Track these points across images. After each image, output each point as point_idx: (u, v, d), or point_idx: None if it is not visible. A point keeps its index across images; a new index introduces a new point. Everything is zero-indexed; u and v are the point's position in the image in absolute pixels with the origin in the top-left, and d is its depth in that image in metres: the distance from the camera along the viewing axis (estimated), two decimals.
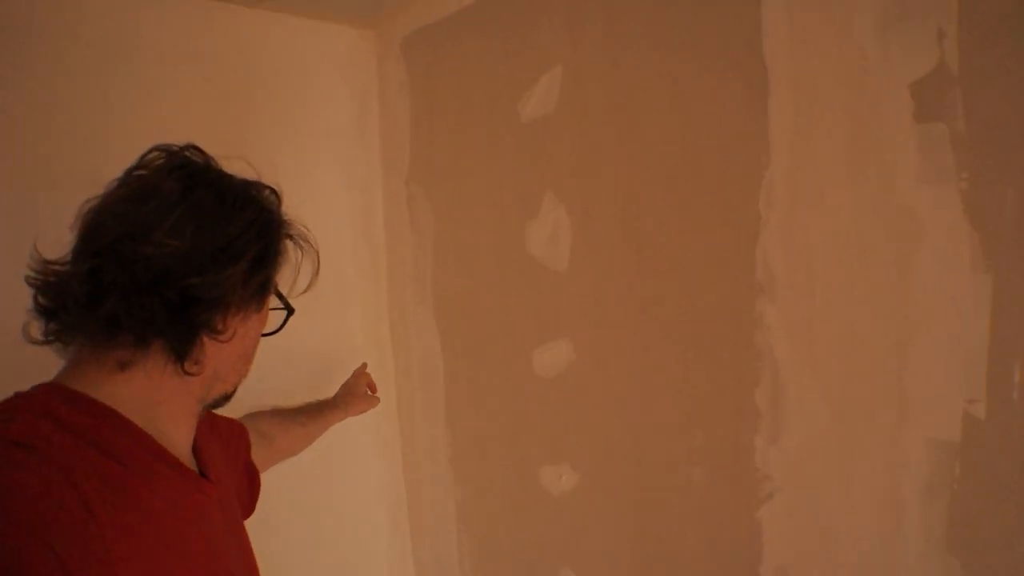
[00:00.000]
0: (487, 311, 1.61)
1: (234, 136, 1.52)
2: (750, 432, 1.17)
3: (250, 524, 1.05)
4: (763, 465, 1.16)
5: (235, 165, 0.91)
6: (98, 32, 1.36)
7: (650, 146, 1.28)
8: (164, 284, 0.77)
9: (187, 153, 0.87)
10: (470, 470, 1.68)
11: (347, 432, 1.56)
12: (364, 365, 1.62)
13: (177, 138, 0.89)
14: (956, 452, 0.96)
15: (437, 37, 1.67)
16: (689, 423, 1.25)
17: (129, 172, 0.84)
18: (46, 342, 0.80)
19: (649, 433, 1.32)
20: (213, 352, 0.84)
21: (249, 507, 1.19)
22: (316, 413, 1.42)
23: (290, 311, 0.97)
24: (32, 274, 0.80)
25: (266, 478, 1.25)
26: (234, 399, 0.96)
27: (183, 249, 0.78)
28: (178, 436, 0.86)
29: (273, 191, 0.92)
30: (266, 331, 0.96)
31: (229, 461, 1.09)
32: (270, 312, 0.95)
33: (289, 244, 0.93)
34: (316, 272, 0.97)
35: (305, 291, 0.97)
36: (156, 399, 0.82)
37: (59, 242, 0.81)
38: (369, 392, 1.58)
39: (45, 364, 0.82)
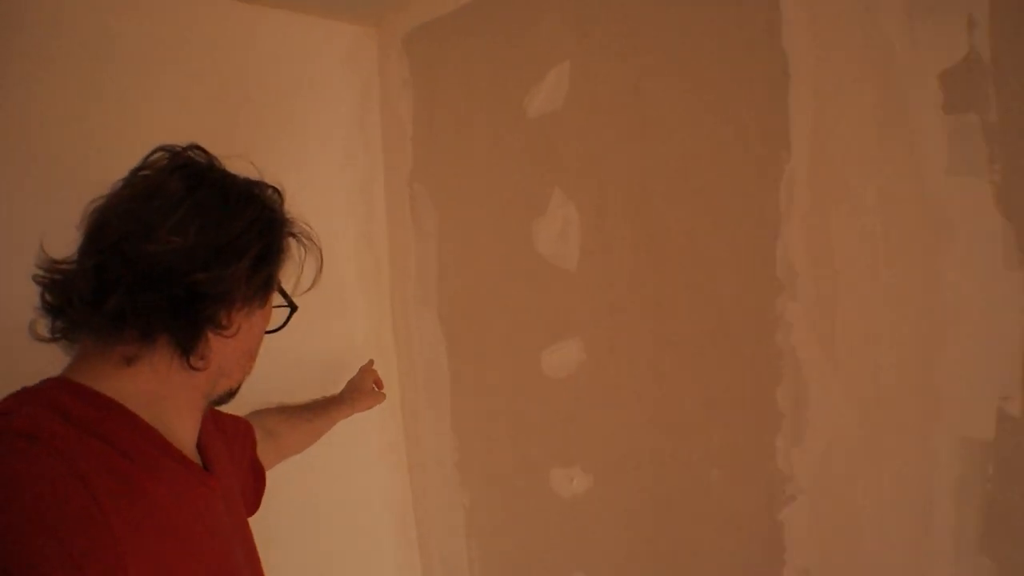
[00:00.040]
0: (493, 311, 1.58)
1: (234, 135, 1.49)
2: (771, 432, 1.14)
3: (253, 533, 1.03)
4: (785, 466, 1.13)
5: (237, 165, 0.92)
6: (99, 30, 1.33)
7: (664, 140, 1.25)
8: (168, 280, 0.79)
9: (190, 153, 0.88)
10: (478, 474, 1.65)
11: (350, 435, 1.54)
12: (371, 362, 1.61)
13: (177, 136, 0.90)
14: (989, 450, 0.94)
15: (440, 33, 1.65)
16: (707, 424, 1.23)
17: (134, 172, 0.86)
18: (53, 340, 0.81)
19: (665, 434, 1.29)
20: (218, 347, 0.85)
21: (254, 504, 1.20)
22: (322, 410, 1.43)
23: (293, 308, 0.98)
24: (39, 273, 0.81)
25: (269, 484, 1.23)
26: (238, 399, 0.96)
27: (187, 246, 0.79)
28: (183, 431, 0.87)
29: (275, 190, 0.93)
30: (270, 328, 0.97)
31: (234, 459, 1.09)
32: (273, 310, 0.96)
33: (292, 242, 0.95)
34: (320, 269, 0.97)
35: (310, 288, 0.99)
36: (162, 394, 0.83)
37: (65, 244, 0.82)
38: (376, 388, 1.58)
39: (53, 363, 0.82)
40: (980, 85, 0.91)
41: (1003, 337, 0.92)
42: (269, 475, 1.23)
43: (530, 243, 1.48)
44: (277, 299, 0.96)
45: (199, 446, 0.92)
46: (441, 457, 1.72)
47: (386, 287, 1.81)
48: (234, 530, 0.92)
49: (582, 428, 1.43)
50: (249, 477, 1.18)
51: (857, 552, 1.07)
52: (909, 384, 1.00)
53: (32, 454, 0.68)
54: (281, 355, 1.06)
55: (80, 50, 1.31)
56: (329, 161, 1.70)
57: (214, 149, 0.90)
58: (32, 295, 0.81)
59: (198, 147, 0.89)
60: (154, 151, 0.87)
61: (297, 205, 0.95)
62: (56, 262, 0.81)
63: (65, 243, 0.82)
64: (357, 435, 1.61)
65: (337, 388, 1.54)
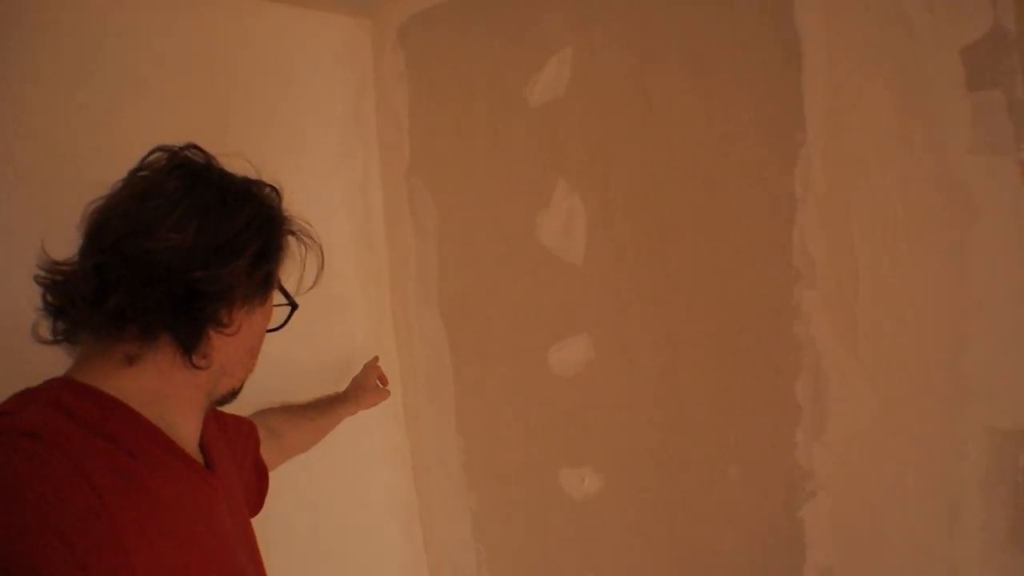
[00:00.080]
0: (497, 308, 1.55)
1: (225, 130, 1.46)
2: (790, 427, 1.11)
3: (256, 534, 1.03)
4: (805, 461, 1.10)
5: (235, 163, 0.92)
6: (94, 27, 1.31)
7: (671, 125, 1.22)
8: (168, 278, 0.80)
9: (188, 152, 0.89)
10: (485, 475, 1.62)
11: (353, 435, 1.53)
12: (375, 359, 1.60)
13: (171, 132, 0.90)
14: (1020, 441, 0.92)
15: (435, 23, 1.61)
16: (723, 420, 1.19)
17: (133, 173, 0.87)
18: (55, 341, 0.82)
19: (678, 431, 1.26)
20: (220, 345, 0.86)
21: (257, 504, 1.19)
22: (326, 408, 1.42)
23: (294, 306, 0.99)
24: (41, 274, 0.82)
25: (272, 489, 1.21)
26: (240, 399, 0.97)
27: (186, 244, 0.81)
28: (186, 430, 0.88)
29: (273, 188, 0.93)
30: (271, 327, 0.97)
31: (236, 459, 1.10)
32: (274, 309, 0.97)
33: (292, 240, 0.95)
34: (321, 267, 0.98)
35: (312, 287, 1.00)
36: (164, 392, 0.84)
37: (66, 245, 0.83)
38: (380, 385, 1.57)
39: (55, 364, 0.83)
40: (1005, 60, 0.88)
41: None
42: (271, 476, 1.22)
43: (534, 237, 1.45)
44: (278, 298, 0.96)
45: (201, 446, 0.92)
46: (446, 458, 1.68)
47: (386, 285, 1.78)
48: (236, 530, 0.93)
49: (592, 427, 1.39)
50: (252, 477, 1.18)
51: (881, 549, 1.05)
52: (934, 374, 0.97)
53: (36, 453, 0.69)
54: (281, 355, 1.06)
55: (76, 49, 1.29)
56: (325, 158, 1.67)
57: (206, 145, 0.91)
58: (34, 296, 0.82)
59: (195, 146, 0.90)
60: (152, 151, 0.88)
61: (293, 203, 0.95)
62: (57, 263, 0.82)
63: (66, 244, 0.83)
64: (360, 435, 1.59)
65: (337, 388, 1.52)
